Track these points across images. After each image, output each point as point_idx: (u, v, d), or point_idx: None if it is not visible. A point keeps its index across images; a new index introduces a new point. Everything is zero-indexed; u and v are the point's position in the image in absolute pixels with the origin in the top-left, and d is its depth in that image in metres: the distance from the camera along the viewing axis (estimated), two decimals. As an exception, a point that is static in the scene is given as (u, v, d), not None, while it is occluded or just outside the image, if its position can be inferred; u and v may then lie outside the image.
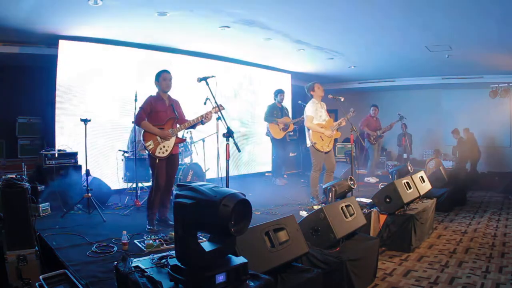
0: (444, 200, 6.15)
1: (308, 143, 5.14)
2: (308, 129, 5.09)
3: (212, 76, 3.74)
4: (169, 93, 4.07)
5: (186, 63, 6.82)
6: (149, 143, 3.83)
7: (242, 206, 1.94)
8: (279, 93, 7.01)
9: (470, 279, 3.46)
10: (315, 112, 5.10)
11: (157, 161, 3.84)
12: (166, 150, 3.89)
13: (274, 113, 6.87)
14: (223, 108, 3.87)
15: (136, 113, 4.01)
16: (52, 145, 5.34)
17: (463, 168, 8.58)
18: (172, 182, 4.09)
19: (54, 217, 4.28)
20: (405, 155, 8.62)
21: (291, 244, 2.70)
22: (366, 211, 4.33)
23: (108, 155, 5.78)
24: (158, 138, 3.86)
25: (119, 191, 5.53)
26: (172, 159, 4.01)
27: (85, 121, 4.57)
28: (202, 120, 3.94)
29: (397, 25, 5.20)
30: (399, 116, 7.60)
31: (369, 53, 7.02)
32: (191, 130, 5.39)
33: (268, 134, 7.00)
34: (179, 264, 1.95)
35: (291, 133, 8.23)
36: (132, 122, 4.95)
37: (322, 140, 5.04)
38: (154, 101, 3.92)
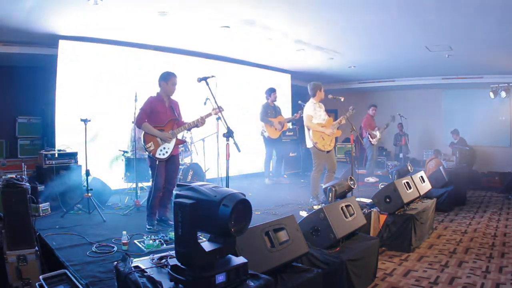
0: (444, 200, 6.15)
1: (309, 144, 5.12)
2: (308, 129, 5.08)
3: (212, 76, 3.74)
4: None
5: (186, 63, 6.82)
6: (149, 144, 3.83)
7: (242, 206, 1.94)
8: (272, 92, 6.90)
9: (470, 279, 3.46)
10: (314, 112, 5.10)
11: (157, 162, 3.84)
12: (167, 152, 3.89)
13: (269, 112, 6.83)
14: (223, 110, 3.87)
15: (136, 114, 3.99)
16: (52, 145, 5.34)
17: (464, 168, 8.58)
18: (174, 183, 4.07)
19: (54, 217, 4.27)
20: (401, 155, 8.64)
21: (291, 244, 2.69)
22: (366, 211, 4.33)
23: (108, 155, 5.78)
24: (159, 139, 3.86)
25: (119, 191, 5.53)
26: (172, 160, 4.01)
27: (85, 121, 4.56)
28: (197, 124, 3.98)
29: (397, 25, 5.20)
30: (392, 117, 7.68)
31: (369, 53, 7.02)
32: (191, 130, 5.39)
33: (263, 133, 6.97)
34: (179, 264, 1.94)
35: (291, 133, 8.22)
36: (132, 122, 4.95)
37: (323, 139, 5.03)
38: (154, 102, 3.93)
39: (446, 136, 9.74)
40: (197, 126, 4.03)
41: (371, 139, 7.52)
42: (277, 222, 2.76)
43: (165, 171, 3.95)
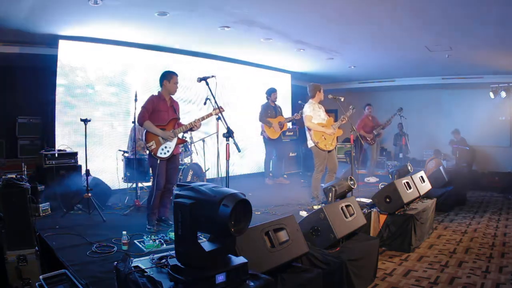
0: (444, 200, 6.15)
1: (310, 144, 5.11)
2: (309, 129, 5.08)
3: (212, 76, 3.74)
4: None
5: (186, 63, 6.82)
6: (151, 143, 3.83)
7: (242, 206, 1.94)
8: (272, 92, 6.92)
9: (470, 279, 3.46)
10: (313, 112, 5.10)
11: (158, 162, 3.84)
12: (168, 151, 3.89)
13: (268, 112, 6.82)
14: (223, 110, 3.86)
15: (138, 112, 3.99)
16: (52, 145, 5.34)
17: (464, 168, 8.59)
18: (174, 182, 4.08)
19: (54, 217, 4.27)
20: (400, 155, 8.64)
21: (291, 244, 2.70)
22: (366, 211, 4.33)
23: (108, 155, 5.78)
24: (160, 138, 3.86)
25: (119, 191, 5.52)
26: (173, 160, 4.01)
27: (85, 121, 4.56)
28: (192, 127, 3.99)
29: (397, 25, 5.20)
30: (398, 110, 7.63)
31: (369, 53, 7.02)
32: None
33: (262, 134, 6.98)
34: (179, 264, 1.95)
35: (291, 133, 8.22)
36: (132, 122, 4.95)
37: (325, 139, 5.02)
38: (156, 101, 3.92)
39: (446, 136, 9.74)
40: (191, 130, 4.04)
41: (367, 140, 7.53)
42: (277, 222, 2.76)
43: (166, 170, 3.95)
